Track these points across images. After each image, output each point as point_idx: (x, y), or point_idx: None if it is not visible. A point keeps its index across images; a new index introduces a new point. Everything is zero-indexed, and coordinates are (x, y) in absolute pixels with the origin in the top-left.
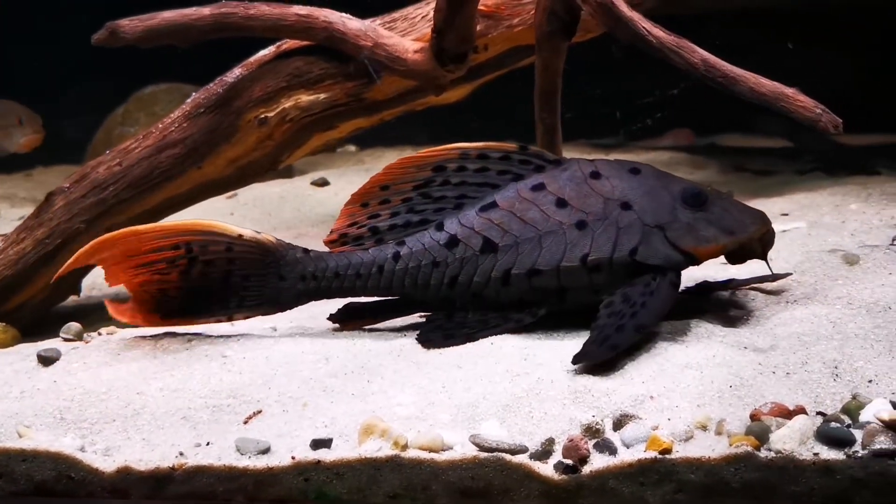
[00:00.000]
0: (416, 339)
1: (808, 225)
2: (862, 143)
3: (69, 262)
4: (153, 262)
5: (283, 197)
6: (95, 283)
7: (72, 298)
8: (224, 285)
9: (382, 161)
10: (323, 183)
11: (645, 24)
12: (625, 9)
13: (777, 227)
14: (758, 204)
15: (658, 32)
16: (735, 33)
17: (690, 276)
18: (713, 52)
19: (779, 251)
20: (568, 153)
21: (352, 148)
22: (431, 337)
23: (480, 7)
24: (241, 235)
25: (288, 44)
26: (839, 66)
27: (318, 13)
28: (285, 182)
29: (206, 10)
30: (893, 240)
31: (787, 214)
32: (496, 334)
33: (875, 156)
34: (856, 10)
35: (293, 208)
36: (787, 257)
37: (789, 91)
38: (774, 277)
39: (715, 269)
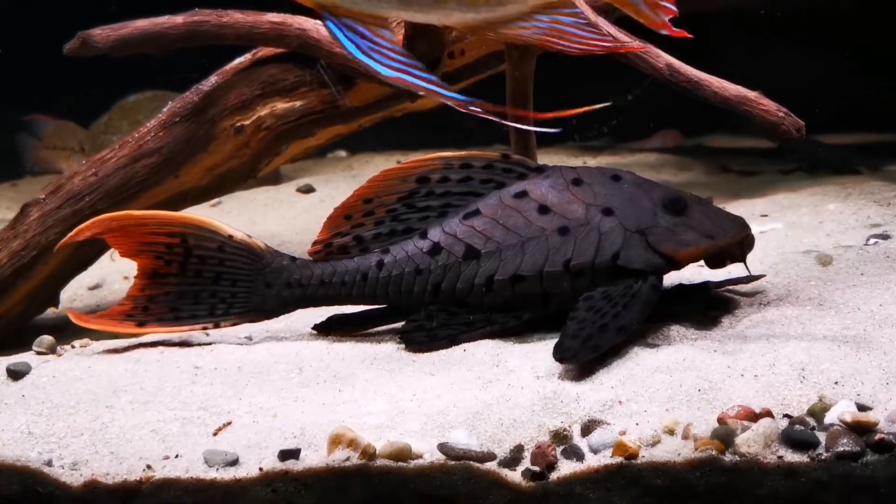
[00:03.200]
0: (399, 338)
1: (786, 226)
2: (844, 142)
3: (69, 235)
4: (152, 244)
5: (267, 204)
6: (76, 293)
7: (51, 310)
8: (213, 288)
9: (371, 166)
10: (308, 190)
11: (610, 28)
12: (590, 13)
13: (755, 228)
14: (740, 204)
15: (623, 38)
16: (718, 32)
17: (666, 279)
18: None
19: (755, 252)
20: (557, 156)
21: (342, 153)
22: (414, 337)
23: None
24: (231, 236)
25: (263, 51)
26: (823, 65)
27: (291, 20)
28: (271, 189)
29: (178, 19)
30: (868, 240)
31: (766, 215)
32: (480, 337)
33: (857, 155)
34: (841, 9)
35: (277, 216)
36: (763, 258)
37: (752, 95)
38: (749, 279)
39: (691, 273)
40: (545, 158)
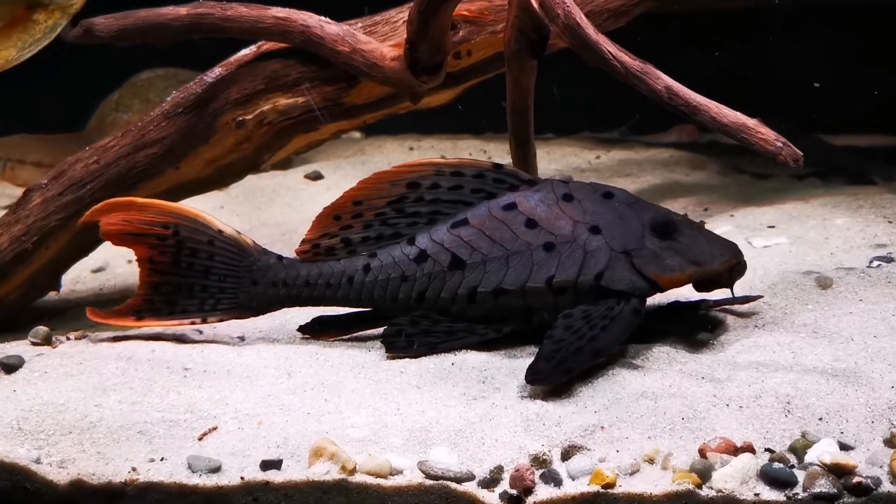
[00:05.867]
0: (380, 340)
1: (791, 240)
2: (863, 144)
3: (85, 215)
4: (145, 235)
5: (274, 190)
6: (80, 276)
7: (52, 294)
8: (204, 282)
9: (383, 152)
10: (316, 176)
11: (610, 48)
12: (591, 31)
13: (760, 241)
14: (749, 212)
15: (623, 57)
16: (734, 31)
17: (663, 296)
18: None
19: (755, 269)
20: (570, 147)
21: (357, 134)
22: (394, 342)
23: (463, 12)
24: (221, 231)
25: (268, 45)
26: (843, 64)
27: (296, 16)
28: (279, 174)
29: (182, 10)
30: (871, 262)
31: (773, 227)
32: (460, 347)
33: (873, 161)
34: (865, 6)
35: (284, 203)
36: (763, 276)
37: (751, 122)
38: (746, 300)
39: (687, 289)
40: (558, 149)
